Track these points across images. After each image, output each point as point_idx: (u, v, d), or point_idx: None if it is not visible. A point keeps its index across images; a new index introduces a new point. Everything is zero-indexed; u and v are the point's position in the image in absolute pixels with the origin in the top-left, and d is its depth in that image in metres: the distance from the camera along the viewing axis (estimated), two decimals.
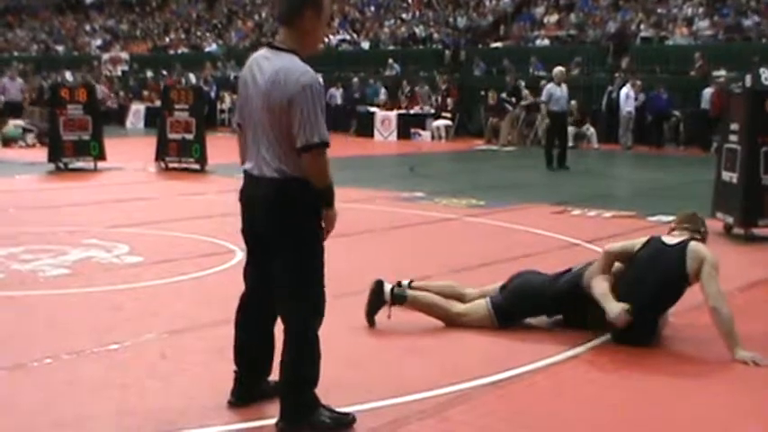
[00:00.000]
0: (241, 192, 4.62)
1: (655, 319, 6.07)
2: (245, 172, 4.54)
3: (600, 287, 5.97)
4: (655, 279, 5.97)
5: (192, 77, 33.37)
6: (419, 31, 33.83)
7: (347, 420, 4.51)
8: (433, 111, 28.23)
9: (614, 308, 5.85)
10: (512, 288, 6.36)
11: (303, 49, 4.39)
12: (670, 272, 5.97)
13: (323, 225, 4.50)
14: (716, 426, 4.70)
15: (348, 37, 35.09)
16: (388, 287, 6.36)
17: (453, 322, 6.33)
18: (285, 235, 4.41)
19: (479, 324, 6.26)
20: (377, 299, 6.33)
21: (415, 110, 28.51)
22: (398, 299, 6.34)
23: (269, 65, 4.35)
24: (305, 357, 4.46)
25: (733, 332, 5.81)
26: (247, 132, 4.51)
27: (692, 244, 6.03)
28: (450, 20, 33.90)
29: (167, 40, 41.44)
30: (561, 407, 4.93)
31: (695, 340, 6.15)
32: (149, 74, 36.71)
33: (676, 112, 24.75)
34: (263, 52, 4.47)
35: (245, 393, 4.78)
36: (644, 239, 6.27)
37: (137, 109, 33.49)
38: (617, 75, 25.96)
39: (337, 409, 4.53)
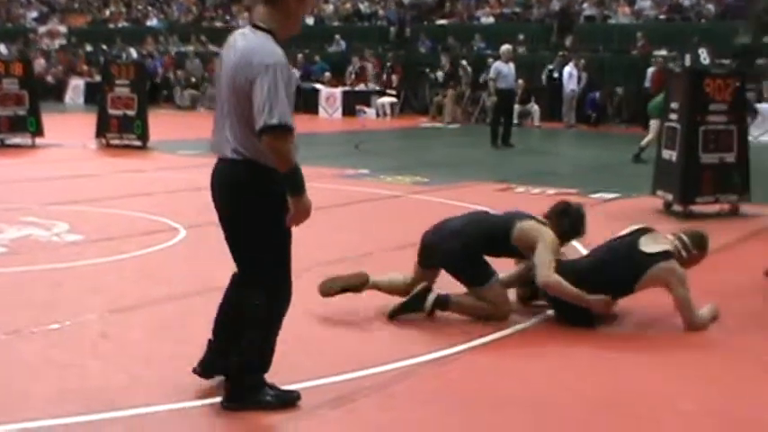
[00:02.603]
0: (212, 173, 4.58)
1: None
2: (212, 149, 4.52)
3: (570, 287, 5.91)
4: (608, 278, 5.99)
5: (134, 52, 32.92)
6: (364, 7, 33.69)
7: (291, 398, 4.51)
8: (377, 88, 28.19)
9: (598, 300, 5.91)
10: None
11: (282, 31, 4.31)
12: (624, 280, 6.01)
13: (287, 210, 4.30)
14: (652, 398, 4.77)
15: None
16: (432, 296, 6.04)
17: (502, 317, 6.05)
18: (237, 217, 4.39)
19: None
20: (416, 303, 6.03)
21: (360, 87, 28.45)
22: (441, 304, 6.06)
23: (242, 43, 4.28)
24: (254, 341, 4.44)
25: (704, 326, 6.00)
26: (216, 110, 4.46)
27: (664, 265, 5.95)
28: None
29: (107, 13, 40.74)
30: (500, 383, 4.98)
31: (634, 317, 6.23)
32: (88, 48, 36.11)
33: (618, 90, 24.98)
34: (243, 30, 4.41)
35: (209, 365, 4.71)
36: (624, 232, 6.27)
37: (76, 84, 32.96)
38: (560, 53, 26.12)
39: (282, 387, 4.52)
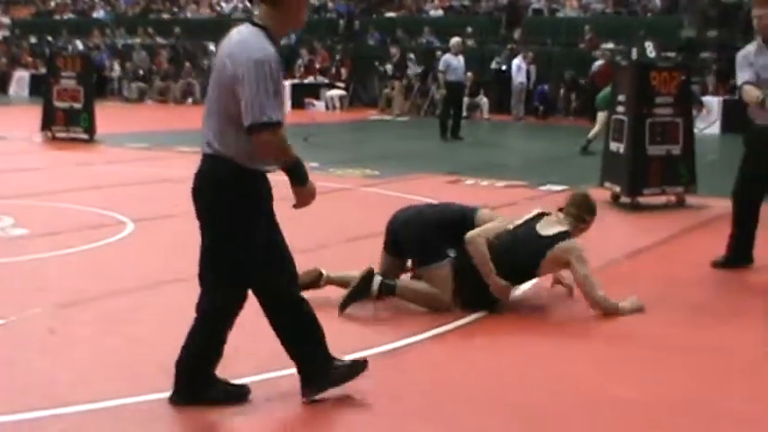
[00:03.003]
0: None
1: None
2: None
3: (486, 255, 6.04)
4: (509, 265, 6.11)
5: (80, 44, 32.52)
6: None
7: (241, 393, 4.49)
8: (326, 81, 28.12)
9: (501, 285, 6.05)
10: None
11: (280, 27, 4.28)
12: (525, 264, 6.16)
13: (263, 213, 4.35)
14: (594, 387, 4.82)
15: (241, 5, 34.62)
16: (378, 279, 6.05)
17: (442, 305, 6.09)
18: (202, 213, 4.42)
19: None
20: (364, 288, 6.02)
21: (309, 80, 28.36)
22: (388, 289, 6.08)
23: (235, 39, 4.25)
24: (203, 337, 4.43)
25: (609, 306, 6.07)
26: (206, 103, 4.40)
27: (563, 245, 6.09)
28: None
29: (52, 4, 40.17)
30: (452, 374, 5.00)
31: (572, 307, 6.28)
32: (33, 40, 35.60)
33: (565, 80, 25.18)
34: (241, 26, 4.35)
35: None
36: (527, 217, 6.37)
37: (20, 76, 32.48)
38: (508, 46, 26.25)
39: (232, 382, 4.50)
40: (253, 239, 4.34)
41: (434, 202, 6.89)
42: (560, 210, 6.43)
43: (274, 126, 4.10)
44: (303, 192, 4.31)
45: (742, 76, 7.13)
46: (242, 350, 5.15)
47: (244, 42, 4.16)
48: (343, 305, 6.00)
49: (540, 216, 6.33)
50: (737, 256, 7.44)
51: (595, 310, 6.08)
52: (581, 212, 6.38)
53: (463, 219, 6.33)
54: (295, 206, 4.39)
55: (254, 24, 4.26)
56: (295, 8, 4.28)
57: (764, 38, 7.09)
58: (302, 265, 6.98)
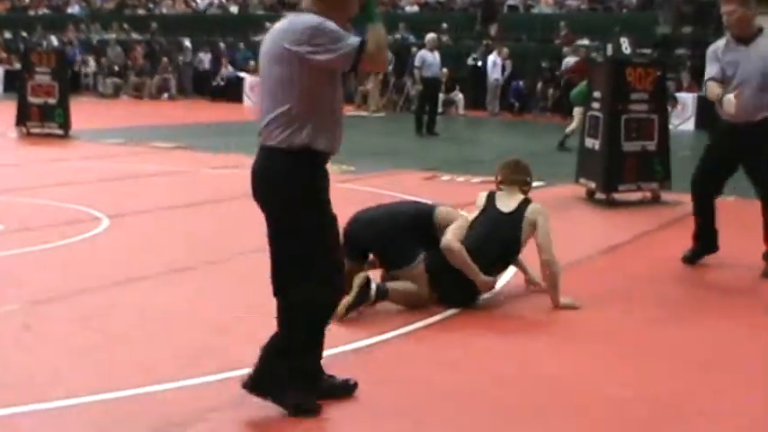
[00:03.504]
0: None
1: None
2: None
3: (467, 258, 6.02)
4: (495, 251, 6.17)
5: (54, 40, 32.30)
6: None
7: (311, 408, 4.31)
8: None
9: (486, 281, 6.09)
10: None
11: (329, 16, 4.15)
12: (508, 244, 6.23)
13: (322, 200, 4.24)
14: (579, 384, 4.85)
15: (216, 1, 34.50)
16: (374, 285, 5.98)
17: (425, 303, 6.09)
18: (269, 206, 4.26)
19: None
20: (364, 295, 5.90)
21: None
22: (383, 293, 6.02)
23: (279, 24, 4.23)
24: (294, 340, 4.29)
25: (558, 285, 6.17)
26: (259, 99, 4.34)
27: (529, 209, 6.24)
28: None
29: (27, 0, 39.90)
30: (424, 370, 5.00)
31: (548, 304, 6.32)
32: (7, 35, 35.32)
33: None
34: (286, 16, 4.31)
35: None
36: (481, 203, 6.43)
37: None
38: (484, 42, 26.30)
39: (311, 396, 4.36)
40: (327, 224, 4.35)
41: (385, 202, 6.84)
42: (500, 183, 6.53)
43: (361, 48, 4.05)
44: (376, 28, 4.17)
45: (708, 71, 7.18)
46: (211, 346, 5.15)
47: (292, 21, 4.16)
48: (345, 313, 5.79)
49: (491, 197, 6.42)
50: (703, 247, 7.49)
51: (543, 271, 6.19)
52: (522, 176, 6.57)
53: (420, 216, 6.32)
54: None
55: (301, 11, 4.22)
56: (342, 3, 4.23)
57: (733, 34, 7.11)
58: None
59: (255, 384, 4.26)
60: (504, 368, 5.07)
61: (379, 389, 4.65)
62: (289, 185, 4.19)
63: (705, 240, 7.49)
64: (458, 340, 5.60)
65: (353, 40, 4.06)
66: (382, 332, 5.58)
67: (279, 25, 4.24)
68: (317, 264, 4.21)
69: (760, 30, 7.05)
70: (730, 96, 6.79)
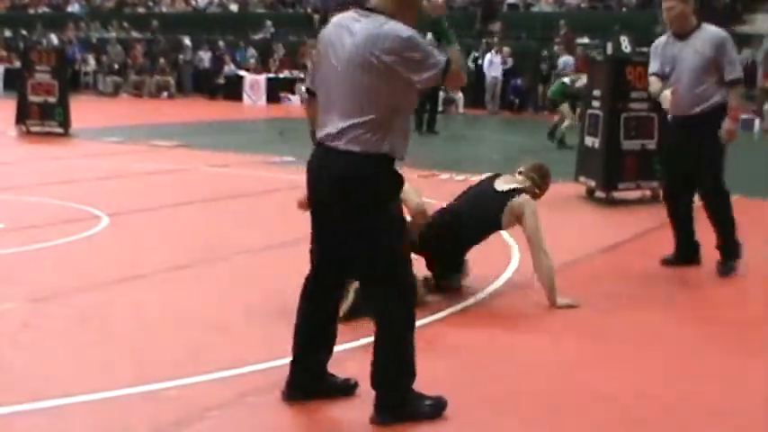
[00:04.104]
0: (310, 162, 4.23)
1: (463, 258, 6.48)
2: (319, 141, 4.17)
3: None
4: (473, 223, 6.34)
5: (54, 38, 32.31)
6: None
7: (442, 405, 4.30)
8: (302, 75, 28.06)
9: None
10: None
11: (400, 17, 4.07)
12: (486, 217, 6.36)
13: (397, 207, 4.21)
14: (563, 376, 4.85)
15: (216, 0, 34.53)
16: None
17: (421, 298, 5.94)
18: (361, 217, 4.08)
19: None
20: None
21: (285, 74, 28.31)
22: None
23: (361, 27, 4.03)
24: (404, 348, 4.20)
25: (554, 283, 6.17)
26: (321, 99, 4.17)
27: (519, 198, 6.30)
28: None
29: None
30: (426, 367, 4.99)
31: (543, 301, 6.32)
32: (7, 33, 35.33)
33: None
34: (351, 14, 4.14)
35: (299, 390, 4.43)
36: (484, 177, 6.64)
37: None
38: (484, 41, 26.31)
39: (429, 395, 4.31)
40: (403, 230, 4.34)
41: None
42: (519, 173, 6.61)
43: (447, 67, 4.02)
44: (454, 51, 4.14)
45: (651, 67, 7.28)
46: (211, 344, 5.15)
47: (384, 28, 4.00)
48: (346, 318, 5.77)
49: (497, 176, 6.56)
50: (680, 256, 7.40)
51: (536, 268, 6.19)
52: (541, 179, 6.63)
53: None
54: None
55: (372, 11, 4.10)
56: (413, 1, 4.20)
57: (672, 30, 7.15)
58: (278, 259, 7.02)
59: (386, 414, 4.19)
60: (501, 366, 5.06)
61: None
62: (378, 188, 4.08)
63: (682, 251, 7.39)
64: (456, 337, 5.58)
65: (440, 58, 4.00)
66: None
67: (360, 27, 4.06)
68: (403, 265, 4.22)
69: (698, 25, 7.08)
70: (666, 92, 6.91)
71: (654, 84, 7.16)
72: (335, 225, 4.17)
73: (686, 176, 7.24)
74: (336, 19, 4.22)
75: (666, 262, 7.42)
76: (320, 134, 4.17)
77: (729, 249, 7.17)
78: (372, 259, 4.14)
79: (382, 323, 4.21)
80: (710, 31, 7.05)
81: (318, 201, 4.22)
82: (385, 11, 4.08)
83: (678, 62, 7.03)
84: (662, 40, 7.27)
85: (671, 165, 7.45)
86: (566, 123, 16.31)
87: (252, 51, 29.49)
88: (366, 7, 4.14)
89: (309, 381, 4.42)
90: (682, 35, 7.06)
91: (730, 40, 7.07)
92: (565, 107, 16.51)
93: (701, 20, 7.12)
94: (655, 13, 25.78)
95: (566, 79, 17.42)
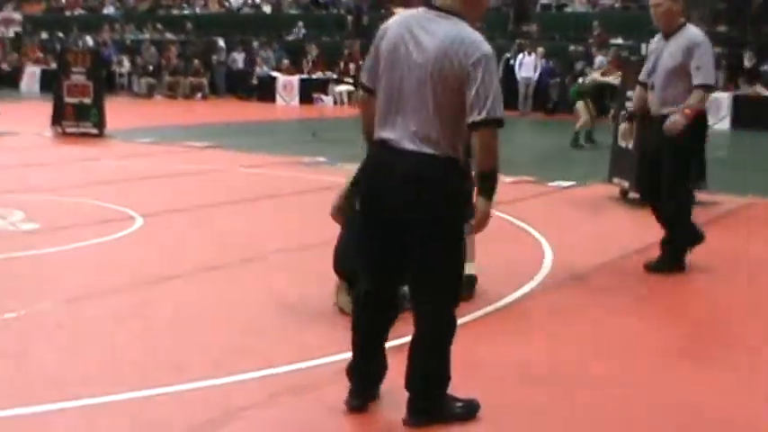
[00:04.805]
0: (371, 164, 4.20)
1: None
2: (382, 142, 4.08)
3: None
4: None
5: (90, 40, 32.60)
6: None
7: (475, 407, 4.29)
8: (335, 76, 28.13)
9: None
10: None
11: (470, 17, 4.05)
12: None
13: (471, 212, 4.09)
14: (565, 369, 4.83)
15: (250, 0, 34.65)
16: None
17: None
18: (429, 216, 4.00)
19: None
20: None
21: (318, 75, 28.37)
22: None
23: (438, 28, 3.96)
24: (444, 351, 4.19)
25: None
26: (386, 99, 4.07)
27: None
28: None
29: (63, 0, 40.28)
30: (459, 369, 4.99)
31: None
32: (44, 35, 35.70)
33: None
34: (422, 13, 4.07)
35: (361, 398, 4.36)
36: None
37: (32, 71, 32.57)
38: (517, 41, 26.22)
39: (461, 397, 4.30)
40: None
41: None
42: None
43: (500, 124, 3.94)
44: (487, 207, 4.05)
45: (641, 72, 7.35)
46: (244, 346, 5.17)
47: (463, 34, 3.94)
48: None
49: None
50: (664, 260, 7.22)
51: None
52: None
53: None
54: (475, 225, 4.10)
55: (445, 11, 4.03)
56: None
57: (662, 29, 7.11)
58: (312, 260, 7.04)
59: (420, 416, 4.18)
60: (536, 370, 5.04)
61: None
62: (449, 189, 4.03)
63: (667, 255, 7.22)
64: (485, 339, 5.58)
65: (500, 110, 3.95)
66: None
67: (438, 28, 3.99)
68: (459, 271, 4.21)
69: (682, 26, 7.05)
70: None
71: (636, 93, 7.26)
72: (397, 228, 4.07)
73: (659, 177, 7.09)
74: (403, 18, 4.13)
75: (649, 267, 7.18)
76: (383, 134, 4.08)
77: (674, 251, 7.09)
78: (433, 262, 4.07)
79: (426, 326, 4.17)
80: (687, 34, 6.98)
81: (379, 203, 4.11)
82: (454, 10, 4.03)
83: (658, 61, 7.01)
84: (656, 37, 7.26)
85: (643, 165, 7.37)
86: (579, 122, 16.33)
87: (283, 52, 29.57)
88: (436, 6, 4.07)
89: (371, 388, 4.40)
90: (667, 34, 7.03)
91: (703, 46, 6.93)
92: (580, 104, 16.48)
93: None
94: (689, 13, 25.60)
95: (581, 79, 17.49)
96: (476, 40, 3.95)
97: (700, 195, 10.58)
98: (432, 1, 4.10)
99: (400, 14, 4.19)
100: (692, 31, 7.01)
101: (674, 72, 6.87)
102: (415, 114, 3.98)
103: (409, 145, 3.99)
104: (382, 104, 4.10)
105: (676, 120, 6.78)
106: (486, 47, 3.96)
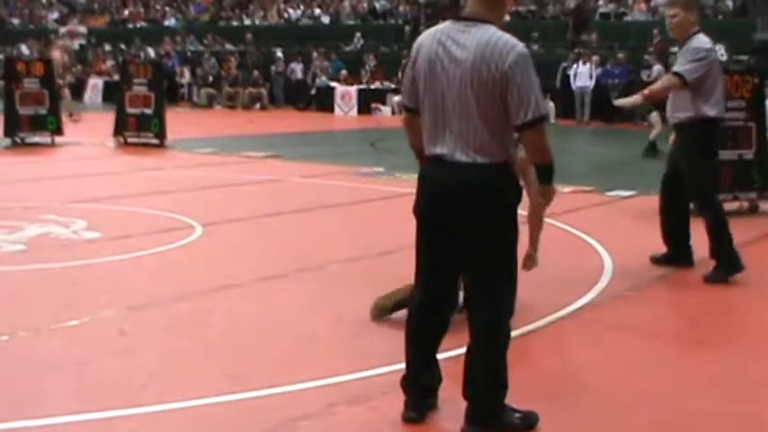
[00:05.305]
0: (427, 179, 4.22)
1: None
2: (436, 158, 4.11)
3: None
4: None
5: (152, 52, 33.06)
6: (380, 5, 33.69)
7: (534, 419, 4.27)
8: (393, 86, 28.18)
9: None
10: None
11: (498, 20, 4.06)
12: None
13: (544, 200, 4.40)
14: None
15: (308, 11, 34.88)
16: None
17: None
18: (487, 226, 4.03)
19: None
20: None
21: (376, 85, 28.45)
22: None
23: (469, 38, 3.97)
24: (501, 359, 4.18)
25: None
26: (432, 116, 4.10)
27: None
28: None
29: (125, 13, 40.92)
30: (518, 380, 4.97)
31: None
32: (107, 48, 36.29)
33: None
34: (450, 25, 4.08)
35: (416, 410, 4.35)
36: None
37: (95, 83, 33.09)
38: (575, 50, 26.06)
39: (521, 408, 4.29)
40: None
41: None
42: None
43: (545, 120, 4.03)
44: (550, 190, 4.31)
45: None
46: (303, 354, 5.19)
47: (495, 39, 3.95)
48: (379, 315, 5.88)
49: None
50: (670, 256, 7.53)
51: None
52: None
53: None
54: (543, 203, 4.50)
55: (473, 20, 4.04)
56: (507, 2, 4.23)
57: (675, 38, 7.30)
58: (370, 270, 7.06)
59: (478, 426, 4.17)
60: (596, 381, 4.99)
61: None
62: (505, 195, 4.07)
63: (674, 247, 7.50)
64: (554, 350, 5.54)
65: (543, 107, 4.00)
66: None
67: (469, 39, 3.99)
68: (514, 280, 4.25)
69: (694, 34, 7.12)
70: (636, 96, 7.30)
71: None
72: (454, 239, 4.10)
73: (678, 177, 7.31)
74: (433, 32, 4.15)
75: (655, 260, 7.51)
76: (436, 151, 4.10)
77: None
78: (489, 271, 4.09)
79: (483, 335, 4.16)
80: (693, 42, 7.07)
81: (437, 215, 4.15)
82: (481, 17, 4.04)
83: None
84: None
85: (668, 163, 7.62)
86: (655, 131, 16.14)
87: (341, 63, 29.71)
88: (463, 17, 4.09)
89: (426, 399, 4.39)
90: (679, 43, 7.20)
91: (697, 48, 7.02)
92: (654, 116, 16.32)
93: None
94: (753, 21, 25.26)
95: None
96: (508, 42, 3.97)
97: (764, 205, 10.44)
98: (459, 12, 4.14)
99: (430, 30, 4.20)
100: (698, 39, 7.11)
101: None
102: (462, 126, 4.01)
103: (462, 157, 4.01)
104: (429, 122, 4.14)
105: (631, 98, 7.33)
106: (519, 46, 3.97)
